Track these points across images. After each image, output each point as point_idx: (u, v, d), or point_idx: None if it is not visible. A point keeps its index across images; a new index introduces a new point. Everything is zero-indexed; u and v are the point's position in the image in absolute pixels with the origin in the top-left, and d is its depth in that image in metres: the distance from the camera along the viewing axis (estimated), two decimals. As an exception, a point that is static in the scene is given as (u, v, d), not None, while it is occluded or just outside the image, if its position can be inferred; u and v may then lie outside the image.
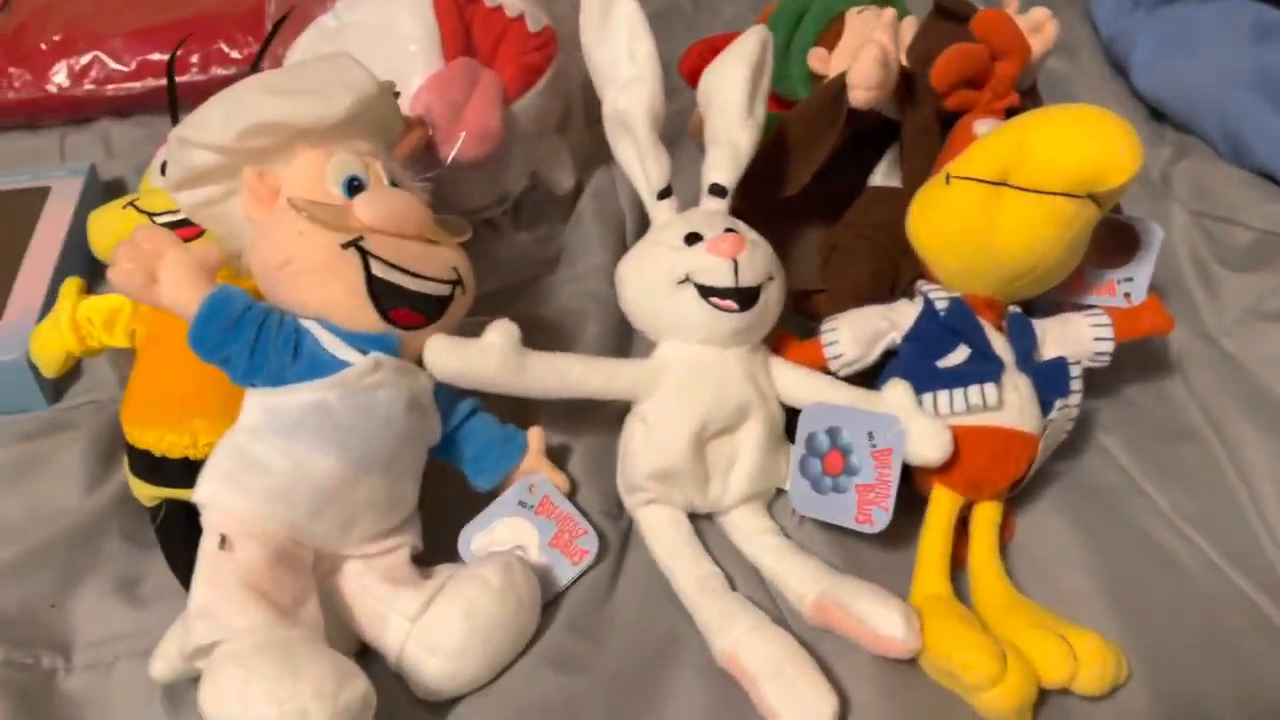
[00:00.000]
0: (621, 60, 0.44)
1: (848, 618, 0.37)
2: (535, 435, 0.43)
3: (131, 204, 0.45)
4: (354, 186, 0.39)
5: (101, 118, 0.72)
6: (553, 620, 0.39)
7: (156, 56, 0.70)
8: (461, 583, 0.37)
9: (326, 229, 0.37)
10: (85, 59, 0.70)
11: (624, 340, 0.52)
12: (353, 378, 0.36)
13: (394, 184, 0.40)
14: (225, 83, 0.40)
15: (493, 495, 0.42)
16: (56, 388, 0.51)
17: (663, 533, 0.41)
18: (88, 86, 0.70)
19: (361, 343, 0.37)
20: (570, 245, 0.59)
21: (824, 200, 0.50)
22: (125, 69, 0.70)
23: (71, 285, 0.44)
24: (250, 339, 0.36)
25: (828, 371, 0.43)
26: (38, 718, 0.36)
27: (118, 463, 0.46)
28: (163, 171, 0.45)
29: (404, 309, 0.38)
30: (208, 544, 0.35)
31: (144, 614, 0.40)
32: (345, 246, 0.37)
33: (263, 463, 0.35)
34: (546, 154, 0.60)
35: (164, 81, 0.63)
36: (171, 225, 0.43)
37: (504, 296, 0.56)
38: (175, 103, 0.52)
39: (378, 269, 0.37)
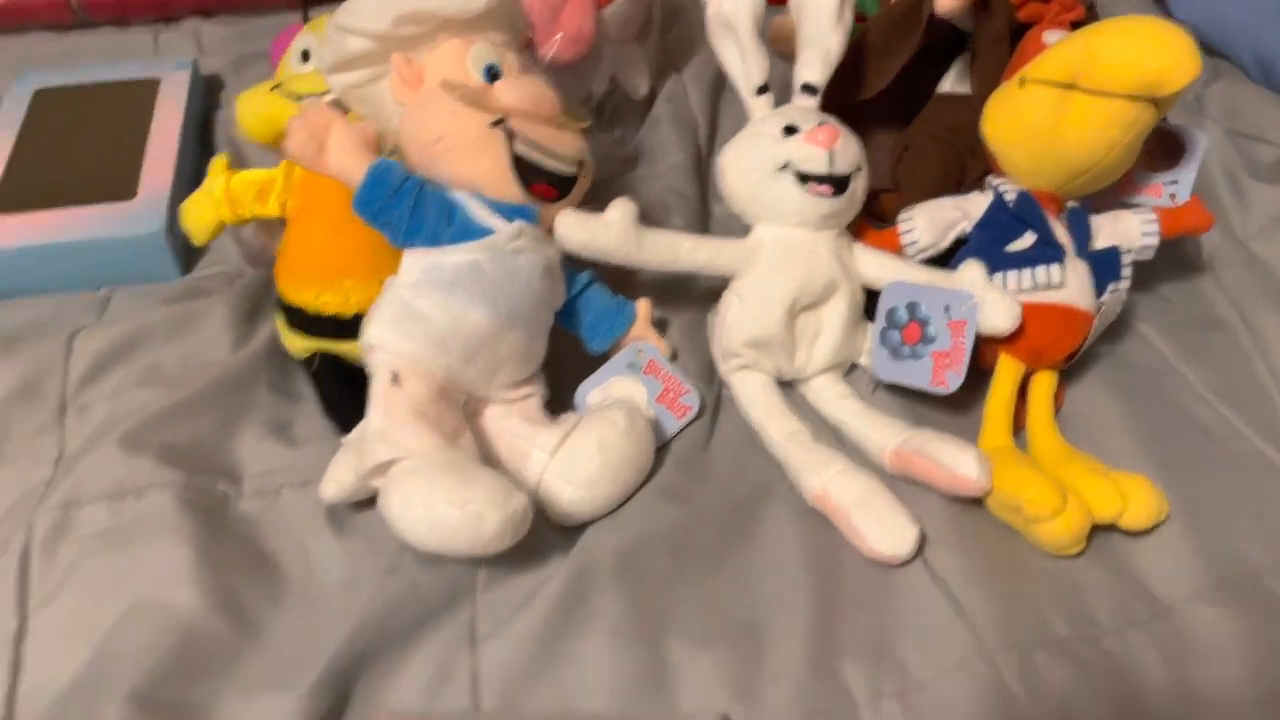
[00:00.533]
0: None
1: (927, 463, 0.42)
2: (643, 305, 0.48)
3: (276, 87, 0.49)
4: (492, 73, 0.43)
5: (188, 17, 0.76)
6: (663, 463, 0.45)
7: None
8: (594, 422, 0.42)
9: (476, 109, 0.42)
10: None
11: (702, 231, 0.57)
12: (501, 242, 0.41)
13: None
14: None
15: (603, 359, 0.47)
16: (186, 261, 0.56)
17: (754, 394, 0.47)
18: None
19: (506, 212, 0.42)
20: (647, 146, 0.63)
21: (892, 106, 0.54)
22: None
23: (220, 162, 0.48)
24: (409, 205, 0.41)
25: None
26: (222, 534, 0.42)
27: (259, 323, 0.51)
28: (304, 58, 0.49)
29: (542, 184, 0.42)
30: (380, 380, 0.40)
31: (297, 452, 0.46)
32: (493, 126, 0.41)
33: (424, 314, 0.40)
34: (627, 60, 0.64)
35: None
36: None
37: (590, 192, 0.61)
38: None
39: (520, 148, 0.42)
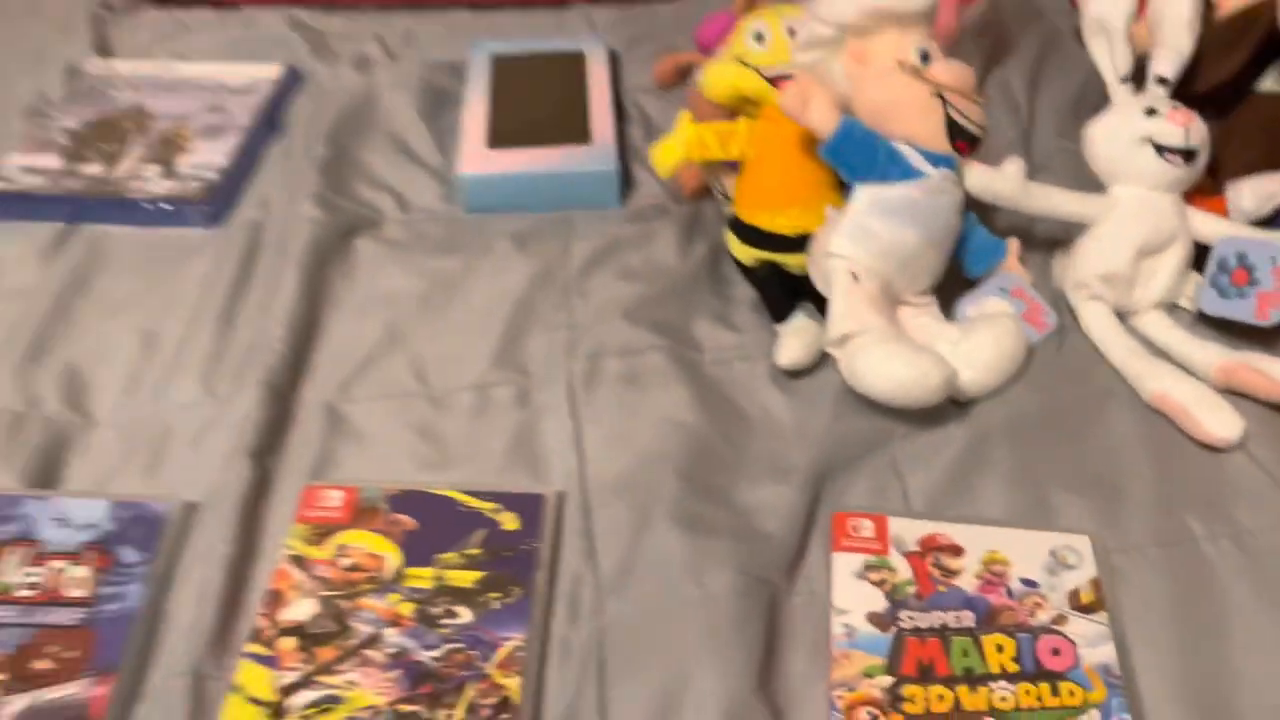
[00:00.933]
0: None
1: (1254, 374, 0.54)
2: (1014, 243, 0.61)
3: (739, 60, 0.64)
4: (924, 56, 0.57)
5: (578, 3, 0.93)
6: (1029, 364, 0.58)
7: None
8: (989, 323, 0.56)
9: (921, 83, 0.56)
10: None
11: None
12: (932, 183, 0.55)
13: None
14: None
15: (974, 283, 0.61)
16: (625, 190, 0.72)
17: (1100, 318, 0.59)
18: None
19: (934, 161, 0.56)
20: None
21: (1214, 99, 0.66)
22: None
23: (686, 115, 0.64)
24: (870, 152, 0.55)
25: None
26: (701, 383, 0.57)
27: (695, 240, 0.67)
28: (758, 39, 0.64)
29: (963, 142, 0.56)
30: (841, 277, 0.54)
31: (739, 335, 0.61)
32: (933, 95, 0.56)
33: (874, 232, 0.55)
34: (969, 54, 0.77)
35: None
36: (772, 79, 0.62)
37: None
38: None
39: (952, 113, 0.56)
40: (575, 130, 0.72)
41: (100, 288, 0.64)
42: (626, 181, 0.72)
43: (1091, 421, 0.55)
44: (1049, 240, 0.64)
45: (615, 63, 0.83)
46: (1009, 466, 0.53)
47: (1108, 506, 0.51)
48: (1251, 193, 0.59)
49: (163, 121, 0.76)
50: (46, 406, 0.56)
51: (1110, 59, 0.60)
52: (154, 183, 0.70)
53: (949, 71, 0.56)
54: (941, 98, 0.56)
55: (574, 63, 0.80)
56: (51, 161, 0.72)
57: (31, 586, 0.46)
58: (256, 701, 0.42)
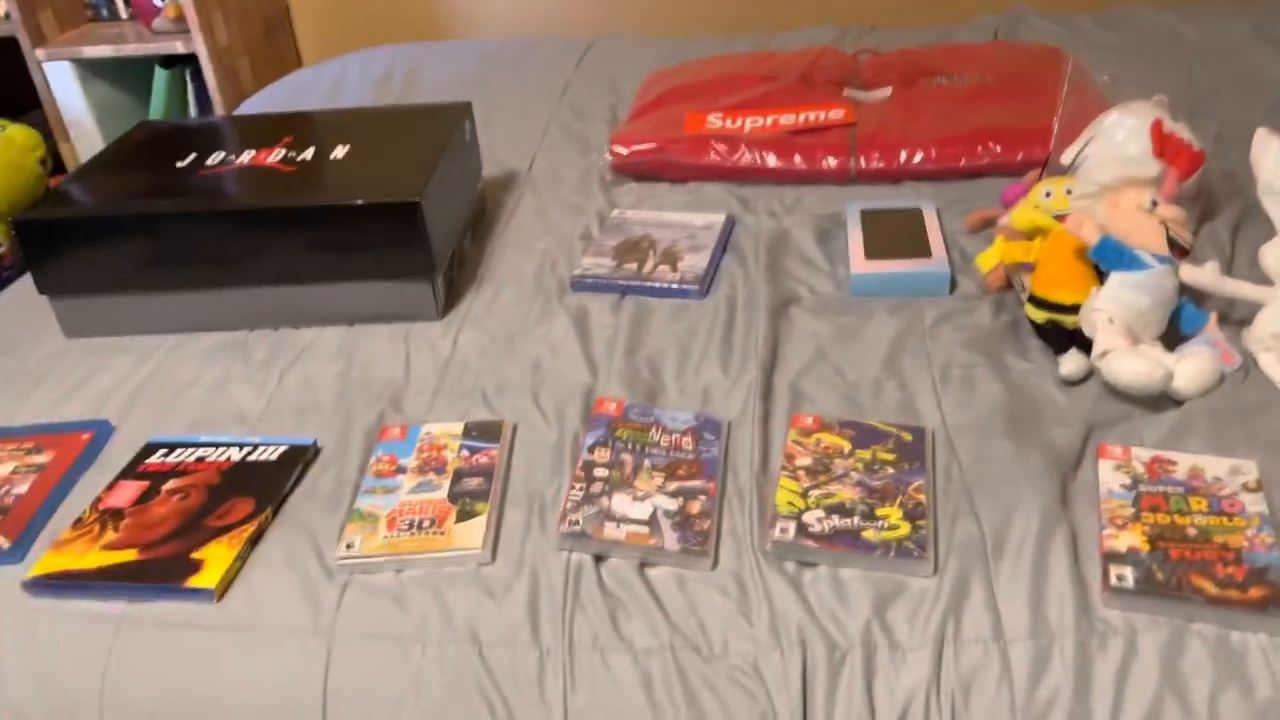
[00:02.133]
0: (1269, 164, 1.00)
1: (1370, 388, 0.88)
2: (1214, 314, 0.98)
3: (1034, 206, 1.07)
4: (1154, 203, 0.98)
5: (909, 180, 1.40)
6: (1218, 382, 0.94)
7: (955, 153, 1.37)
8: (1195, 353, 0.93)
9: (1152, 217, 0.96)
10: (919, 155, 1.38)
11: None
12: (1159, 271, 0.95)
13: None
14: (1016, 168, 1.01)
15: (1185, 338, 0.98)
16: (952, 285, 1.14)
17: (1273, 362, 0.95)
18: (925, 167, 1.38)
19: (1160, 260, 0.95)
20: (1200, 253, 1.14)
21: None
22: (931, 157, 1.37)
23: (1000, 237, 1.07)
24: (1119, 255, 0.96)
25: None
26: (1009, 387, 0.97)
27: (1003, 311, 1.08)
28: (1046, 195, 1.07)
29: (1178, 250, 0.96)
30: (1102, 321, 0.94)
31: (1032, 364, 1.00)
32: (1160, 224, 0.96)
33: (1121, 298, 0.94)
34: (1187, 210, 1.17)
35: (949, 165, 1.29)
36: (1056, 217, 1.04)
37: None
38: (1044, 165, 1.15)
39: (1171, 233, 0.96)
40: (920, 249, 1.17)
41: (648, 327, 1.13)
42: (953, 282, 1.15)
43: (1261, 415, 0.90)
44: (1240, 320, 1.01)
45: (940, 216, 1.28)
46: (1206, 432, 0.89)
47: (1269, 453, 0.86)
48: (1376, 289, 0.94)
49: (663, 243, 1.27)
50: (644, 376, 1.03)
51: (1277, 211, 0.98)
52: (667, 275, 1.20)
53: (1169, 210, 0.97)
54: (1164, 225, 0.96)
55: (915, 214, 1.25)
56: (607, 261, 1.24)
57: (666, 445, 0.91)
58: (792, 491, 0.84)
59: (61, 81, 2.05)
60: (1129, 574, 0.74)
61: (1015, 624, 0.73)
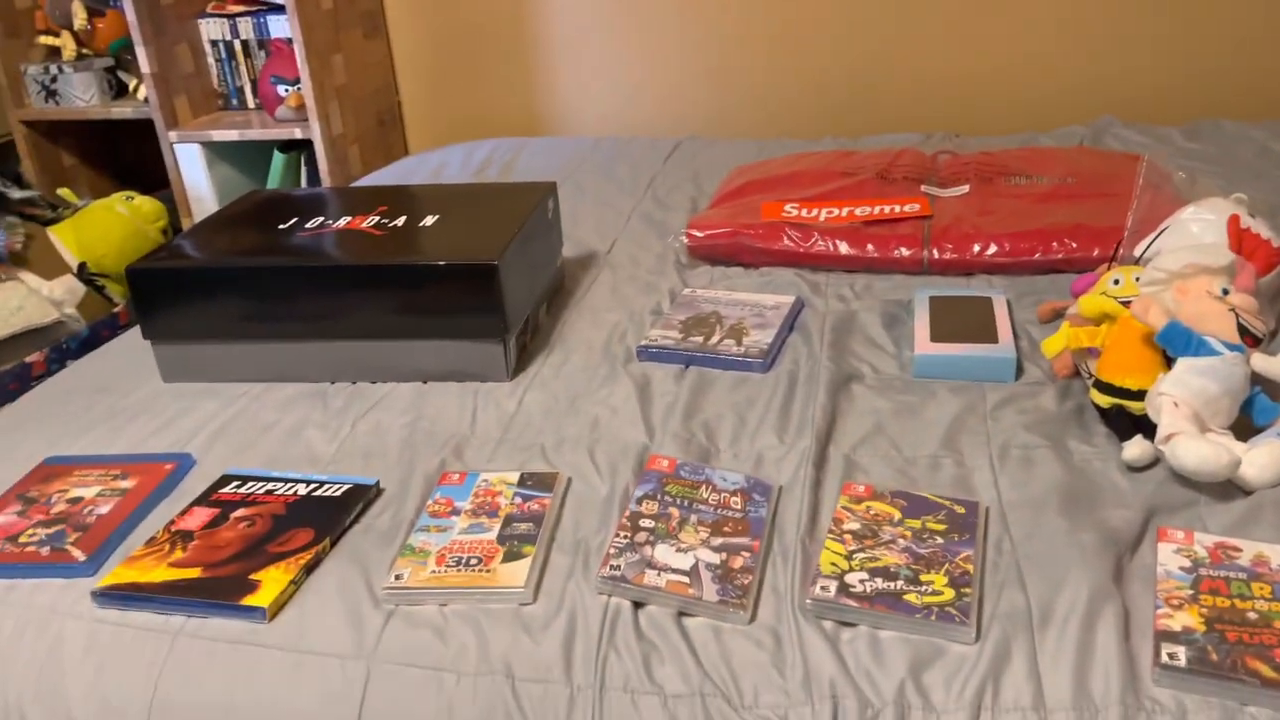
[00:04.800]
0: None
1: None
2: (1288, 406, 0.95)
3: (1103, 294, 1.07)
4: (1225, 291, 0.97)
5: (980, 273, 1.41)
6: (1297, 476, 0.91)
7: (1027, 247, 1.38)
8: (1268, 443, 0.90)
9: (1223, 303, 0.95)
10: (992, 248, 1.39)
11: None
12: (1228, 360, 0.93)
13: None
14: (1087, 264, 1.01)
15: (1259, 430, 0.95)
16: (1019, 373, 1.14)
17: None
18: (998, 259, 1.39)
19: (1229, 347, 0.94)
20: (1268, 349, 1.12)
21: None
22: (1004, 250, 1.38)
23: (1066, 322, 1.06)
24: (1186, 340, 0.94)
25: None
26: (1070, 469, 0.95)
27: (1068, 397, 1.06)
28: (1115, 283, 1.07)
29: (1249, 338, 0.94)
30: (1168, 404, 0.92)
31: (1095, 449, 0.98)
32: (1229, 311, 0.95)
33: (1188, 383, 0.93)
34: (1265, 309, 1.14)
35: (1023, 259, 1.29)
36: (1124, 301, 1.04)
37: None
38: (1112, 260, 1.15)
39: (1242, 320, 0.94)
40: (987, 335, 1.17)
41: (708, 395, 1.14)
42: (1019, 369, 1.14)
43: (1341, 510, 0.87)
44: (1318, 415, 0.98)
45: (1009, 305, 1.28)
46: (1274, 520, 0.85)
47: (1347, 549, 0.82)
48: None
49: (730, 319, 1.30)
50: (698, 439, 1.05)
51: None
52: (731, 348, 1.22)
53: (1240, 298, 0.96)
54: (1234, 312, 0.94)
55: (984, 301, 1.26)
56: (674, 334, 1.27)
57: (714, 502, 0.92)
58: (836, 554, 0.84)
59: (190, 161, 2.22)
60: (1181, 653, 0.71)
61: (1057, 694, 0.70)
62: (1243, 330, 0.95)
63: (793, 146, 2.07)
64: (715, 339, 1.25)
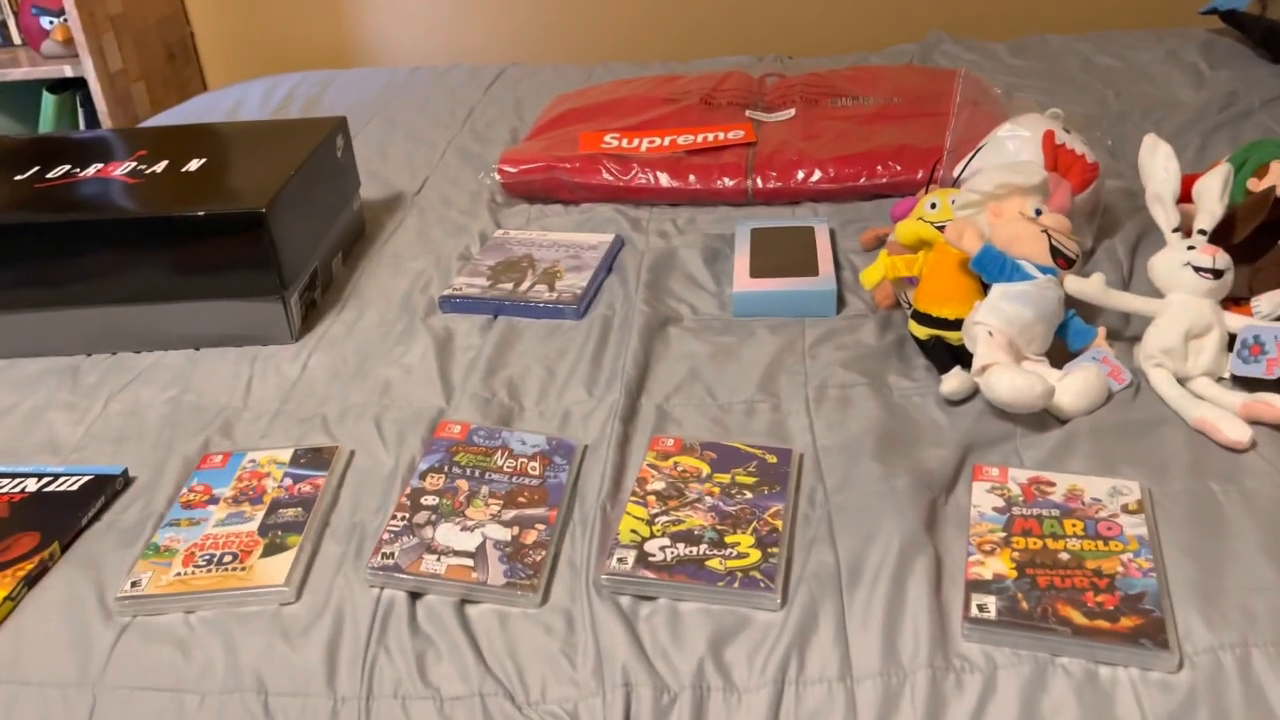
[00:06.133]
0: (1158, 171, 0.95)
1: (1265, 406, 0.82)
2: (1102, 329, 0.92)
3: (919, 219, 1.02)
4: (1038, 211, 0.93)
5: (806, 201, 1.35)
6: (1106, 400, 0.88)
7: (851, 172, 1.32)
8: (1082, 369, 0.87)
9: (1035, 224, 0.91)
10: (817, 174, 1.32)
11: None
12: (1041, 284, 0.89)
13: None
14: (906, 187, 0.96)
15: (1073, 355, 0.92)
16: (840, 305, 1.08)
17: (1161, 376, 0.89)
18: (823, 186, 1.32)
19: (1043, 270, 0.90)
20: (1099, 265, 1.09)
21: (1249, 249, 0.97)
22: (829, 176, 1.32)
23: (884, 252, 1.01)
24: (1000, 265, 0.90)
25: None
26: (888, 407, 0.91)
27: (889, 329, 1.01)
28: (932, 207, 1.01)
29: (1062, 260, 0.90)
30: (982, 335, 0.88)
31: (915, 383, 0.94)
32: (1042, 232, 0.90)
33: (1002, 310, 0.88)
34: (1082, 228, 1.12)
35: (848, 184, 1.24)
36: (939, 227, 0.99)
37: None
38: (930, 183, 1.09)
39: (1054, 241, 0.90)
40: (808, 268, 1.11)
41: (515, 348, 1.05)
42: (840, 301, 1.08)
43: (1149, 433, 0.84)
44: (1133, 337, 0.95)
45: (833, 235, 1.23)
46: (1089, 451, 0.82)
47: (1154, 474, 0.79)
48: (1268, 301, 0.89)
49: (543, 262, 1.20)
50: (500, 398, 0.95)
51: (1165, 217, 0.93)
52: (543, 294, 1.13)
53: (1053, 219, 0.92)
54: (1047, 233, 0.90)
55: (806, 232, 1.19)
56: (481, 282, 1.16)
57: (510, 470, 0.83)
58: (638, 518, 0.76)
59: (-54, 106, 1.96)
60: (991, 604, 0.67)
61: (864, 661, 0.65)
62: (1055, 252, 0.91)
63: (621, 72, 1.96)
64: (525, 285, 1.15)
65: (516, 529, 0.77)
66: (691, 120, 1.50)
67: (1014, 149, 1.08)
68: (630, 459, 0.86)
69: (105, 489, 0.84)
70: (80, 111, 2.00)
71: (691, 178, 1.35)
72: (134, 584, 0.73)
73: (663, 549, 0.73)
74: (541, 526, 0.77)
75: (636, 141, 1.43)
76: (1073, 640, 0.64)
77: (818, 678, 0.64)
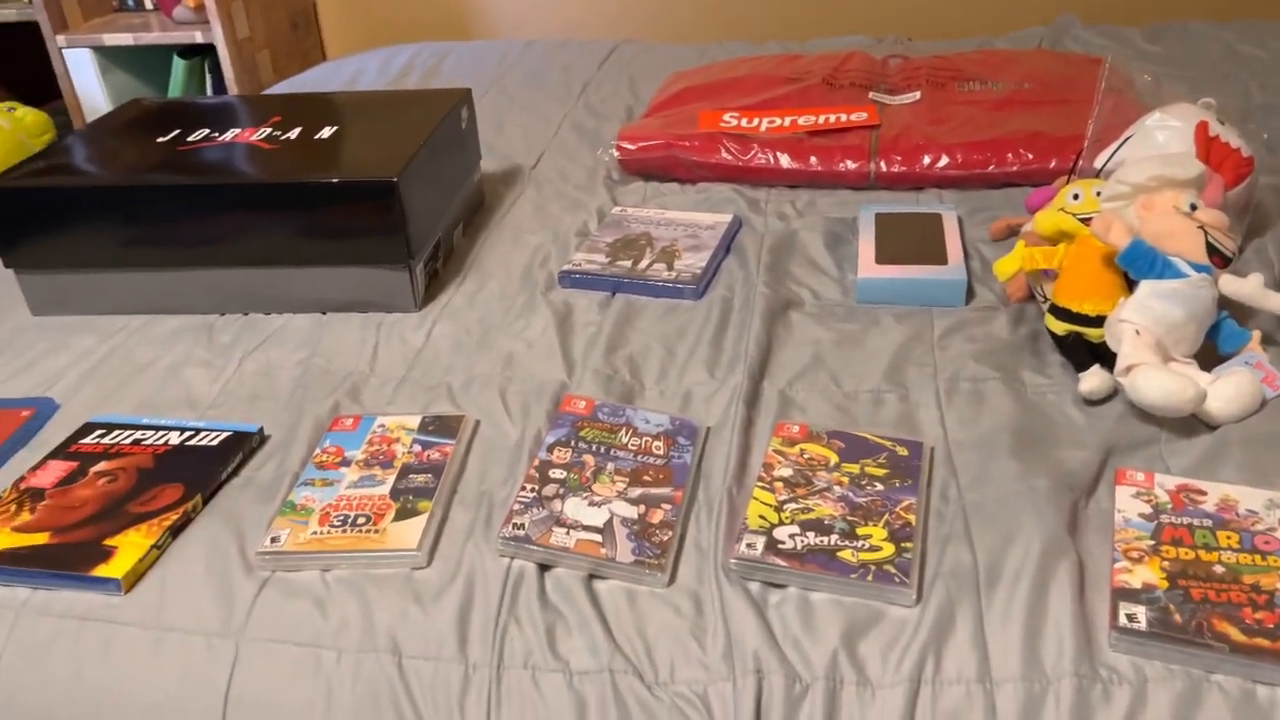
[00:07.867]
0: None
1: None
2: (1256, 332, 0.88)
3: (1061, 209, 0.98)
4: (1193, 206, 0.88)
5: (931, 187, 1.31)
6: (1259, 407, 0.84)
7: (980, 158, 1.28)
8: (1234, 373, 0.83)
9: (1190, 219, 0.86)
10: (944, 160, 1.29)
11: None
12: (1195, 281, 0.85)
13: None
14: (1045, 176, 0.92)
15: (1225, 358, 0.88)
16: (969, 296, 1.05)
17: (1323, 387, 0.84)
18: (950, 172, 1.29)
19: (1197, 268, 0.86)
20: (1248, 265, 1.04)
21: None
22: (956, 162, 1.28)
23: (1022, 242, 0.97)
24: (1150, 261, 0.86)
25: None
26: (1022, 403, 0.88)
27: (1021, 322, 0.98)
28: (1075, 198, 0.98)
29: (1217, 258, 0.86)
30: (1128, 332, 0.84)
31: (1050, 380, 0.90)
32: (1198, 228, 0.86)
33: (1151, 308, 0.84)
34: (1232, 226, 1.06)
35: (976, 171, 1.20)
36: (1083, 220, 0.95)
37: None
38: (1071, 173, 1.05)
39: (1210, 238, 0.86)
40: (936, 256, 1.08)
41: (635, 326, 1.05)
42: (970, 292, 1.05)
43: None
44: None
45: (961, 223, 1.19)
46: (1240, 461, 0.78)
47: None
48: None
49: (662, 241, 1.19)
50: (621, 376, 0.95)
51: None
52: (661, 273, 1.12)
53: (1209, 214, 0.87)
54: (1203, 230, 0.86)
55: (934, 219, 1.16)
56: (600, 258, 1.16)
57: (634, 448, 0.83)
58: (765, 504, 0.76)
59: (81, 69, 2.03)
60: (1141, 614, 0.64)
61: (1005, 664, 0.63)
62: (1211, 249, 0.86)
63: (735, 51, 1.94)
64: (644, 263, 1.14)
65: (643, 507, 0.77)
66: (813, 101, 1.47)
67: (1163, 140, 1.03)
68: (754, 443, 0.85)
69: (243, 445, 0.86)
70: (209, 77, 2.06)
71: (813, 159, 1.32)
72: (273, 540, 0.75)
73: (792, 536, 0.72)
74: (668, 506, 0.77)
75: (756, 121, 1.41)
76: (1230, 658, 0.61)
77: (955, 678, 0.63)
